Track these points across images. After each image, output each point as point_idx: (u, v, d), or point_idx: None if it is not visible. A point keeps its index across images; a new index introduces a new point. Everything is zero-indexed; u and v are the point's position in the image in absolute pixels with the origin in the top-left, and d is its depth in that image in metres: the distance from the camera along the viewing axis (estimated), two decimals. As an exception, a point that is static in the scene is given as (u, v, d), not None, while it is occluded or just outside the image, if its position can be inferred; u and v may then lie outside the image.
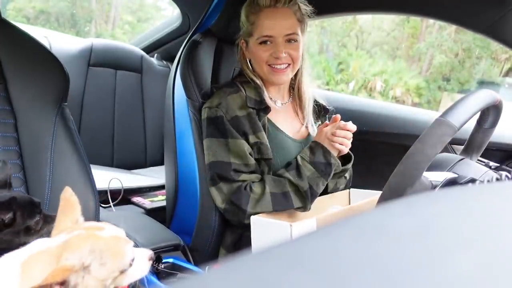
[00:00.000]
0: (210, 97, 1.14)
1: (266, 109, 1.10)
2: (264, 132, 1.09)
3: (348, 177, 1.24)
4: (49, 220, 0.79)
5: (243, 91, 1.11)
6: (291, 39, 1.07)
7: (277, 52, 1.05)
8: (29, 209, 0.77)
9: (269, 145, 1.08)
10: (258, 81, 1.13)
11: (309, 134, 1.20)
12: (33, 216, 0.76)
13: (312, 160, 1.05)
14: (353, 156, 1.17)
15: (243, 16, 1.09)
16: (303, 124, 1.20)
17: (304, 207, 1.06)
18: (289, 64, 1.09)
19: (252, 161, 1.07)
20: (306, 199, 1.04)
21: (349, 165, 1.19)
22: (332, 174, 1.08)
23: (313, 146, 1.07)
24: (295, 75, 1.17)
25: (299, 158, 1.06)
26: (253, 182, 1.06)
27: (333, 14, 1.64)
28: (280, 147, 1.12)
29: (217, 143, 1.08)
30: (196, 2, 1.69)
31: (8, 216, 0.73)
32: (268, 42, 1.06)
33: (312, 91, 1.23)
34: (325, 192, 1.17)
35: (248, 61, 1.16)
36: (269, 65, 1.08)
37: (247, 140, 1.07)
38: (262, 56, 1.08)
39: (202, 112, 1.13)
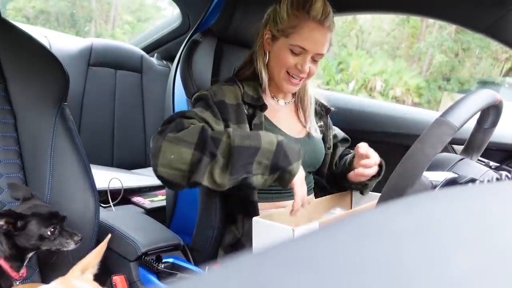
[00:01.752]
0: None
1: (263, 106, 1.09)
2: (247, 125, 1.05)
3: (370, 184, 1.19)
4: (64, 234, 0.88)
5: (241, 87, 1.10)
6: (318, 57, 1.07)
7: (303, 65, 1.05)
8: (46, 220, 0.85)
9: None
10: (265, 76, 1.11)
11: (309, 133, 1.19)
12: (48, 226, 0.85)
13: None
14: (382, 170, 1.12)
15: (283, 13, 1.05)
16: (305, 127, 1.18)
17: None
18: (303, 77, 1.09)
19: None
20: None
21: (374, 182, 1.14)
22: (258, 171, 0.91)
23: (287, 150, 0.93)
24: None
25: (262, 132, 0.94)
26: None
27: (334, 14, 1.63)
28: None
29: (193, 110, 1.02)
30: (196, 2, 1.69)
31: (20, 223, 0.82)
32: (298, 52, 1.05)
33: (313, 91, 1.22)
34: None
35: (266, 53, 1.12)
36: (287, 72, 1.07)
37: (227, 127, 1.02)
38: (287, 62, 1.06)
39: (192, 102, 1.10)
